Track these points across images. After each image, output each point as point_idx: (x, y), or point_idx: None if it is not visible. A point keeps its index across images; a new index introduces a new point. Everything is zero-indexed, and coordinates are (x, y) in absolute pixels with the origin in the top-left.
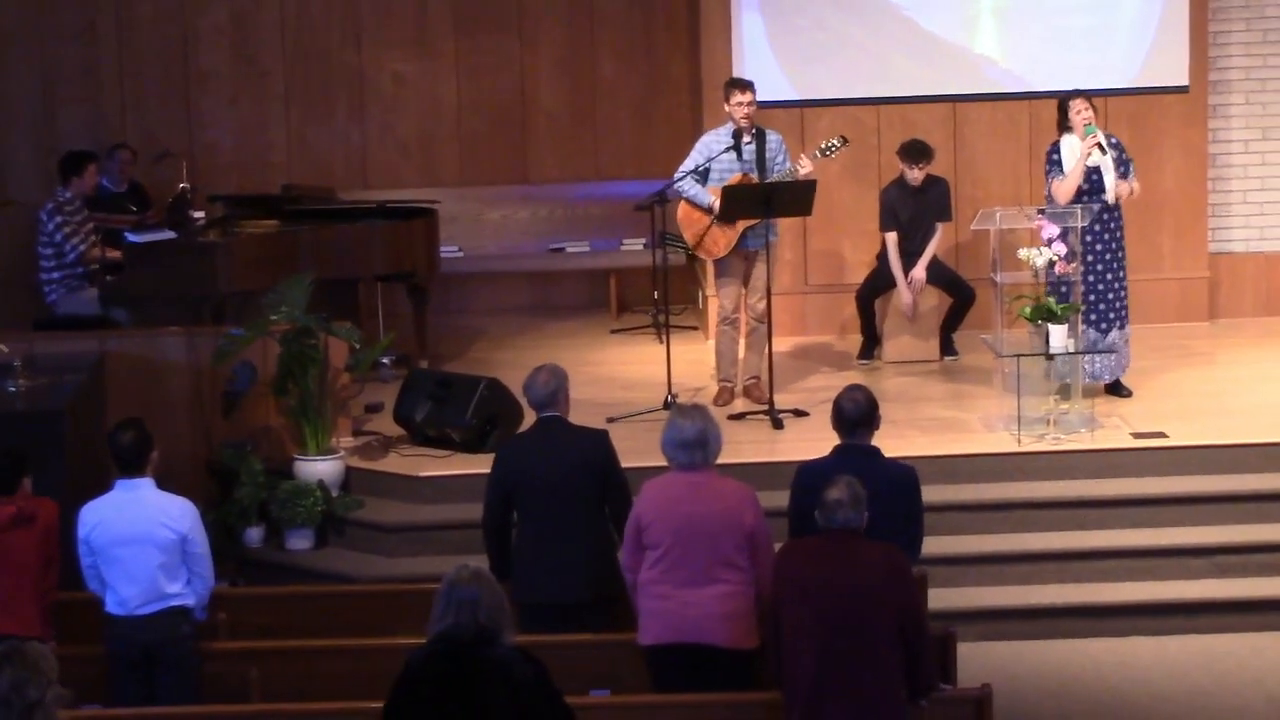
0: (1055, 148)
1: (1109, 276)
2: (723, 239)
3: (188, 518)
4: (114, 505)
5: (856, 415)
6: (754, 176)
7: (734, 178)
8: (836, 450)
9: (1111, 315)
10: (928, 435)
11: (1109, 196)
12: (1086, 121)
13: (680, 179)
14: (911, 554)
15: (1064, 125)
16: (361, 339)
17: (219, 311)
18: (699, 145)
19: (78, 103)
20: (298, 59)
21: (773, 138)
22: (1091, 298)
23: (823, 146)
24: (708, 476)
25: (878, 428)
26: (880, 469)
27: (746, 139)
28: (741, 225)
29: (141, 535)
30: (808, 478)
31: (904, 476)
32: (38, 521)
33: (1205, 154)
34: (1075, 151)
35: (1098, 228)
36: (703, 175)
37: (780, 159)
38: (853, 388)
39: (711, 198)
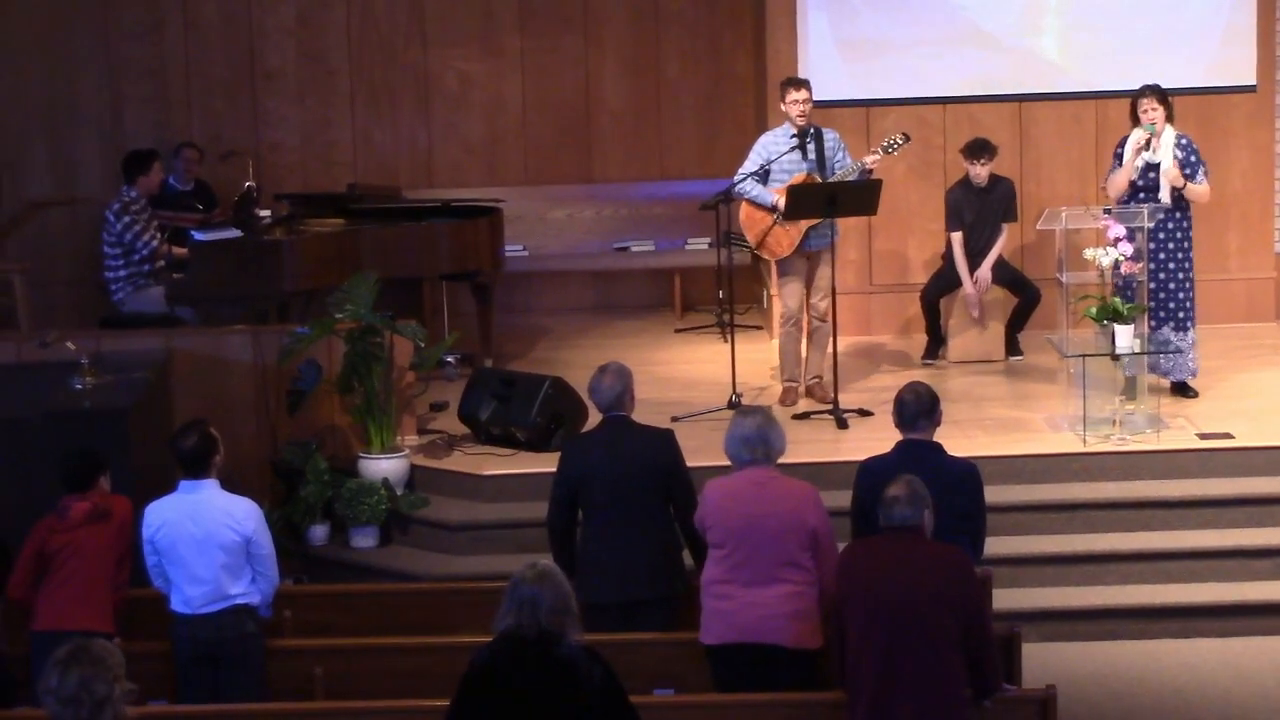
0: (1122, 142)
1: (1163, 276)
2: (785, 239)
3: (252, 519)
4: (178, 506)
5: (917, 407)
6: (816, 176)
7: (798, 177)
8: (898, 446)
9: (1181, 315)
10: (992, 435)
11: (1163, 197)
12: (1150, 120)
13: (741, 181)
14: (973, 553)
15: (1136, 121)
16: (426, 338)
17: (284, 310)
18: (757, 146)
19: (144, 101)
20: (363, 58)
21: (830, 136)
22: (1156, 300)
23: (885, 144)
24: (771, 476)
25: (939, 423)
26: (942, 465)
27: (800, 138)
28: (804, 225)
29: (206, 537)
30: (870, 475)
31: (966, 473)
32: (113, 517)
33: (1272, 154)
34: (1131, 146)
35: (1158, 228)
36: (763, 176)
37: (840, 156)
38: (913, 382)
39: (775, 197)
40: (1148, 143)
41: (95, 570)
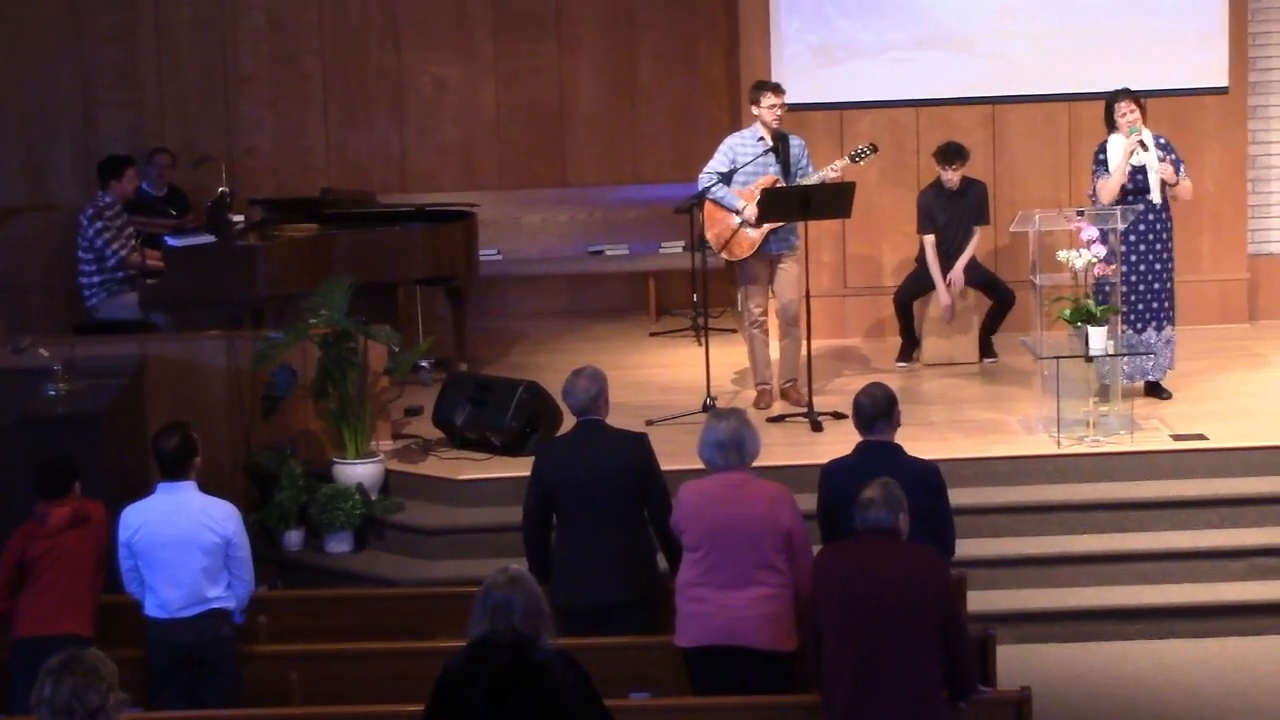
0: (1102, 147)
1: (1149, 277)
2: (745, 241)
3: (231, 521)
4: (157, 508)
5: (873, 410)
6: (781, 181)
7: (764, 180)
8: (858, 448)
9: (1161, 315)
10: (967, 437)
11: (1154, 196)
12: (1132, 123)
13: (711, 184)
14: (942, 553)
15: (1111, 125)
16: (401, 342)
17: (258, 315)
18: (723, 147)
19: (117, 107)
20: (336, 63)
21: (795, 143)
22: (1133, 298)
23: (853, 153)
24: (745, 479)
25: (898, 424)
26: (901, 466)
27: (773, 142)
28: (766, 227)
29: (185, 538)
30: (831, 477)
31: (925, 473)
32: (92, 521)
33: (1245, 155)
34: (1121, 151)
35: (1142, 228)
36: (726, 177)
37: (804, 163)
38: (871, 384)
39: (741, 203)
40: (1141, 144)
41: (76, 575)
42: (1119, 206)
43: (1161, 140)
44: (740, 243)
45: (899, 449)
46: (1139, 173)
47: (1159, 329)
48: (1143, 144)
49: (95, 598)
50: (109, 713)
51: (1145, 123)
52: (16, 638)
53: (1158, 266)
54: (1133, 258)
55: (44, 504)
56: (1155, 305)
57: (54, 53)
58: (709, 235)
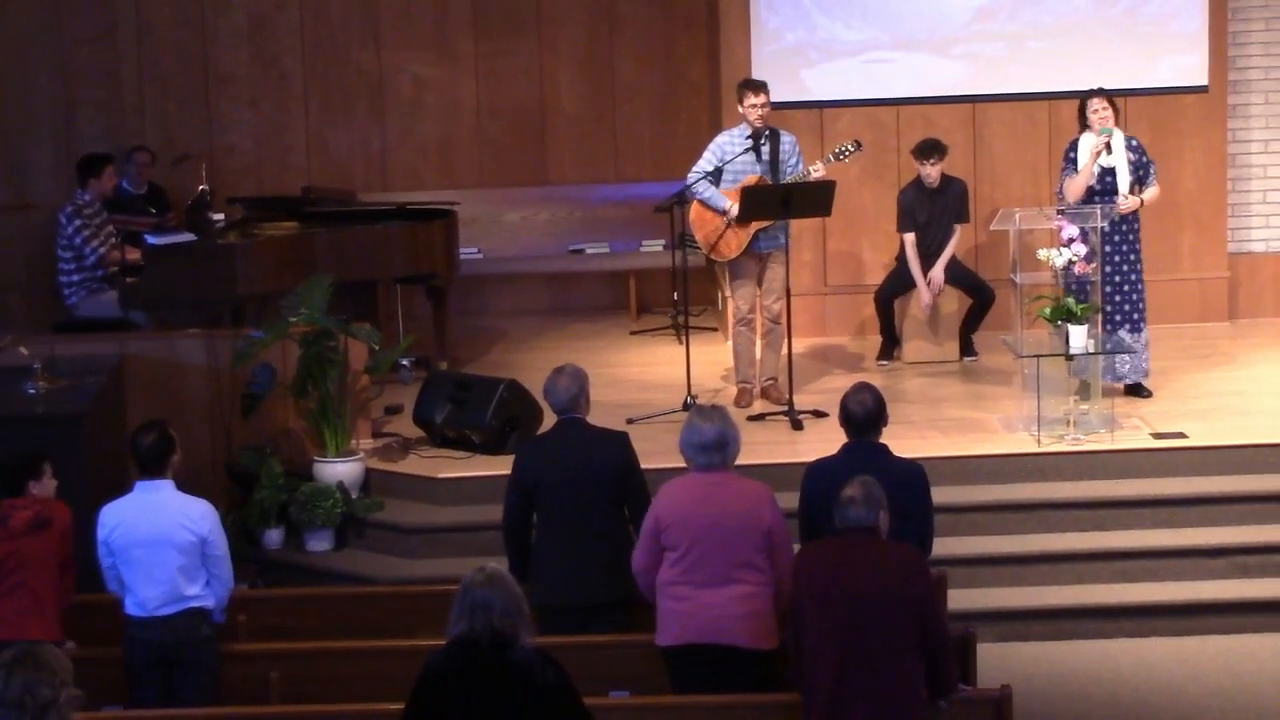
0: (1073, 145)
1: (1118, 278)
2: (734, 240)
3: (208, 520)
4: (134, 507)
5: (864, 417)
6: (768, 179)
7: (750, 178)
8: (844, 449)
9: (1135, 316)
10: (947, 436)
11: (1121, 199)
12: (1103, 121)
13: (695, 181)
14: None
15: (1084, 124)
16: (381, 341)
17: (238, 314)
18: (712, 146)
19: (97, 105)
20: (317, 61)
21: (787, 139)
22: (1111, 302)
23: (836, 151)
24: (726, 477)
25: (886, 425)
26: (887, 467)
27: (756, 140)
28: (754, 227)
29: (161, 537)
30: (816, 477)
31: (911, 474)
32: (54, 525)
33: (1225, 154)
34: (1089, 151)
35: (1108, 228)
36: (715, 176)
37: (794, 161)
38: (860, 388)
39: (728, 202)
40: (1108, 146)
41: (41, 579)
42: (1096, 205)
43: (1134, 142)
44: (728, 243)
45: (885, 449)
46: (1108, 174)
47: (1133, 330)
48: (1108, 147)
49: (61, 602)
50: (61, 708)
51: (1119, 123)
52: None
53: (1125, 268)
54: (1108, 260)
55: (8, 504)
56: (1127, 307)
57: (34, 51)
58: (697, 237)
